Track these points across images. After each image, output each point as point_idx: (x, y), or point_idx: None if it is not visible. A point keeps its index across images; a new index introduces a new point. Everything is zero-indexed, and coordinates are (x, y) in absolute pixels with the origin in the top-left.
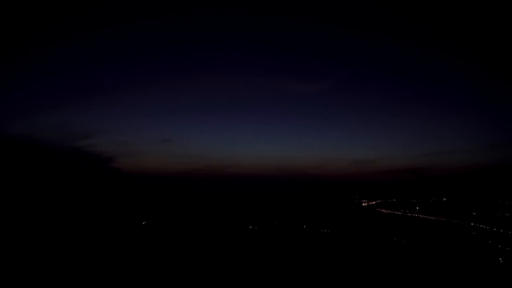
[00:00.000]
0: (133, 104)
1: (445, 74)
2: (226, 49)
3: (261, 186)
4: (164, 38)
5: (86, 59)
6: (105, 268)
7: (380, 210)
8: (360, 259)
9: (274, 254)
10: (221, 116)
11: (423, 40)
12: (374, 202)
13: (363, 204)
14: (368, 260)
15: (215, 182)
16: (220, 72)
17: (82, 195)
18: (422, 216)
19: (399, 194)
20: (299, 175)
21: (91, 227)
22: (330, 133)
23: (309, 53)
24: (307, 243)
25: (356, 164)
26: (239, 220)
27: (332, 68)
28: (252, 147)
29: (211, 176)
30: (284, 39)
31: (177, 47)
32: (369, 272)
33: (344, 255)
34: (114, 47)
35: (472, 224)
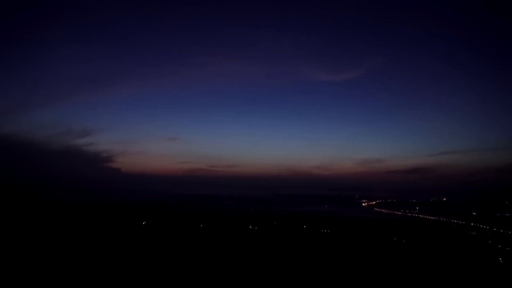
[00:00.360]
0: (136, 98)
1: (460, 72)
2: (246, 31)
3: (264, 186)
4: (171, 20)
5: (82, 48)
6: (105, 269)
7: (379, 210)
8: (360, 259)
9: (273, 253)
10: (231, 111)
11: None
12: (374, 202)
13: (363, 204)
14: (368, 260)
15: (217, 182)
16: (237, 57)
17: (79, 196)
18: (422, 216)
19: (400, 194)
20: (303, 175)
21: (89, 229)
22: (341, 131)
23: (341, 39)
24: (306, 242)
25: (364, 164)
26: (239, 220)
27: (361, 57)
28: (259, 146)
29: (213, 175)
30: (316, 23)
31: (187, 29)
32: (369, 272)
33: (344, 255)
34: (114, 33)
35: (472, 224)
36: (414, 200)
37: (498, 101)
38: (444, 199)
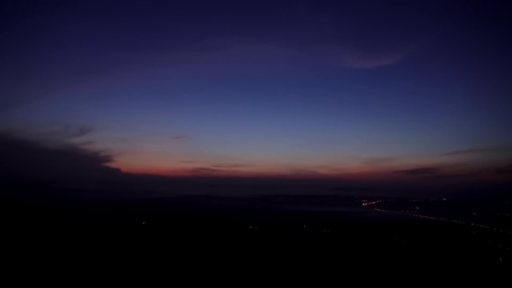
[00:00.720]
0: (140, 91)
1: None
2: (273, 8)
3: (266, 186)
4: None
5: (78, 32)
6: (104, 270)
7: (380, 210)
8: (359, 259)
9: (272, 253)
10: (240, 106)
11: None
12: (374, 202)
13: (363, 204)
14: (368, 260)
15: (220, 182)
16: (260, 39)
17: (76, 198)
18: (422, 216)
19: (401, 193)
20: (307, 174)
21: (87, 231)
22: (352, 127)
23: (381, 23)
24: (306, 243)
25: (372, 163)
26: (239, 220)
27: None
28: (265, 145)
29: (217, 175)
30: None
31: (202, 7)
32: (369, 272)
33: (344, 255)
34: (114, 13)
35: (472, 224)
36: (414, 200)
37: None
38: (444, 199)
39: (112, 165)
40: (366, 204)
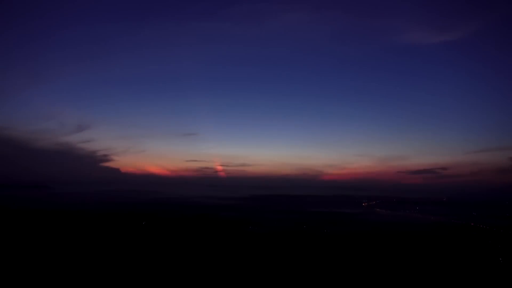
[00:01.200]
0: (143, 80)
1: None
2: None
3: (268, 186)
4: None
5: (73, 7)
6: (105, 269)
7: (380, 210)
8: (359, 260)
9: (272, 253)
10: (247, 104)
11: None
12: (374, 202)
13: (363, 204)
14: (368, 260)
15: (222, 182)
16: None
17: (73, 199)
18: (422, 216)
19: (402, 194)
20: (313, 174)
21: (86, 231)
22: (370, 122)
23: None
24: (305, 242)
25: (383, 162)
26: (239, 220)
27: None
28: (273, 143)
29: (220, 175)
30: None
31: None
32: (369, 272)
33: (344, 255)
34: None
35: (472, 224)
36: (414, 200)
37: None
38: (444, 199)
39: (112, 165)
40: (366, 204)
